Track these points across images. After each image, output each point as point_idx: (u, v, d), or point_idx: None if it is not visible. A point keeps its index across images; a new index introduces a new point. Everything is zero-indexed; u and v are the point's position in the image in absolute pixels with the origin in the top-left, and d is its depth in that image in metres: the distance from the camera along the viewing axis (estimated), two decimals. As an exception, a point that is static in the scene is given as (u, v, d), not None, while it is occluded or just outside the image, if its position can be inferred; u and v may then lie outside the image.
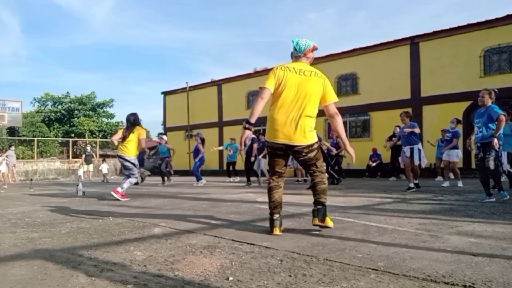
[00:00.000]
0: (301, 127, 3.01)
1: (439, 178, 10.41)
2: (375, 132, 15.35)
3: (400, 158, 8.11)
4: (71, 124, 29.45)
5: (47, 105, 31.21)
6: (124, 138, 6.60)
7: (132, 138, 6.61)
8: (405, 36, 14.82)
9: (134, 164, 6.67)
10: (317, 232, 3.11)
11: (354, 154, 3.27)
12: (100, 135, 28.79)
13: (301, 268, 2.09)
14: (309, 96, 3.03)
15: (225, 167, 14.31)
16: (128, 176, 6.66)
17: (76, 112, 29.70)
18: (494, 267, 2.04)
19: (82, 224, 3.79)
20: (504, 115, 5.08)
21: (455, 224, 3.43)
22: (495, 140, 5.00)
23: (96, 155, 20.83)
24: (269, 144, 3.14)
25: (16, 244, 2.90)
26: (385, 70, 15.14)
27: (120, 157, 6.69)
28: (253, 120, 3.04)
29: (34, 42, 61.20)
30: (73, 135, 27.94)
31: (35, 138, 21.26)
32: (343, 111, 16.47)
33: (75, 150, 22.52)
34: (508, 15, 12.53)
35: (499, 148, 5.12)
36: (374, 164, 14.05)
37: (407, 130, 7.22)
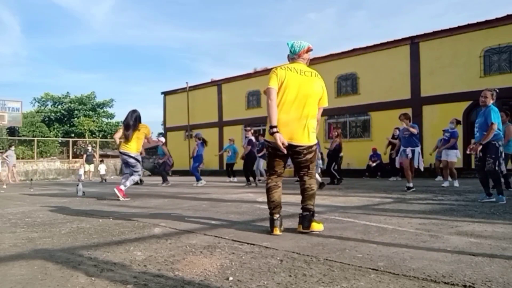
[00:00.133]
0: (305, 127, 3.03)
1: (439, 178, 10.41)
2: (375, 132, 15.35)
3: (397, 158, 8.10)
4: (71, 124, 29.44)
5: (47, 105, 31.20)
6: (127, 137, 6.50)
7: (136, 135, 6.53)
8: (405, 36, 14.82)
9: (138, 161, 6.61)
10: (317, 232, 3.11)
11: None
12: (100, 135, 28.77)
13: (301, 268, 2.10)
14: (310, 96, 3.07)
15: (225, 167, 14.31)
16: (131, 174, 6.61)
17: (76, 112, 29.69)
18: (494, 267, 2.04)
19: (82, 224, 3.79)
20: (502, 116, 5.08)
21: (455, 224, 3.43)
22: (480, 147, 5.04)
23: (96, 155, 20.80)
24: (270, 144, 3.11)
25: (16, 244, 2.90)
26: (385, 70, 15.15)
27: (123, 153, 6.59)
28: (275, 123, 2.98)
29: (34, 42, 61.18)
30: (73, 135, 27.93)
31: (35, 138, 21.25)
32: (343, 111, 16.58)
33: (75, 150, 22.50)
34: (508, 15, 12.53)
35: (499, 148, 5.11)
36: (374, 164, 14.05)
37: (407, 135, 7.27)
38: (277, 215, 3.11)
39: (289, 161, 3.37)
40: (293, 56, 3.21)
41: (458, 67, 13.46)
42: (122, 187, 6.45)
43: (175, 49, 78.04)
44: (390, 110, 14.27)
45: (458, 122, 8.80)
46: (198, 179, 10.55)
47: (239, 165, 11.99)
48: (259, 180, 10.80)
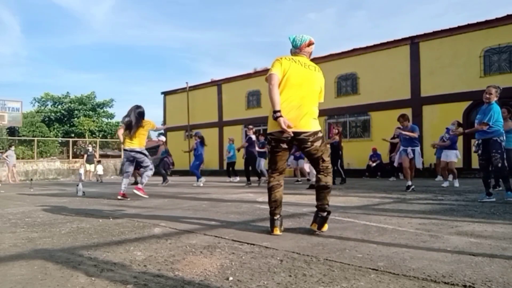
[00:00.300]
0: (306, 114, 2.99)
1: (439, 178, 10.41)
2: (375, 132, 15.35)
3: (396, 157, 8.10)
4: (71, 124, 29.46)
5: (47, 105, 31.21)
6: (133, 133, 6.37)
7: (140, 132, 6.43)
8: (405, 36, 14.84)
9: (145, 155, 6.54)
10: (317, 232, 3.11)
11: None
12: (100, 135, 28.79)
13: (301, 268, 2.09)
14: (312, 88, 3.06)
15: (225, 167, 14.31)
16: (144, 170, 6.55)
17: (76, 112, 29.70)
18: (494, 267, 2.04)
19: (82, 224, 3.79)
20: (504, 112, 5.09)
21: (455, 224, 3.43)
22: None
23: (97, 155, 20.80)
24: (273, 135, 3.05)
25: (16, 244, 2.90)
26: (385, 70, 15.15)
27: (130, 150, 6.46)
28: (278, 107, 2.91)
29: (34, 42, 61.22)
30: (73, 135, 27.94)
31: (35, 138, 21.26)
32: (343, 111, 16.59)
33: (75, 150, 22.51)
34: (508, 15, 12.53)
35: (501, 144, 5.08)
36: (374, 164, 14.06)
37: (405, 132, 7.26)
38: (278, 215, 3.09)
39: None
40: (295, 50, 3.20)
41: (458, 67, 13.46)
42: (140, 185, 6.41)
43: (175, 49, 78.12)
44: (390, 110, 14.27)
45: (460, 124, 8.79)
46: (198, 178, 10.53)
47: (240, 165, 11.98)
48: (258, 180, 10.80)
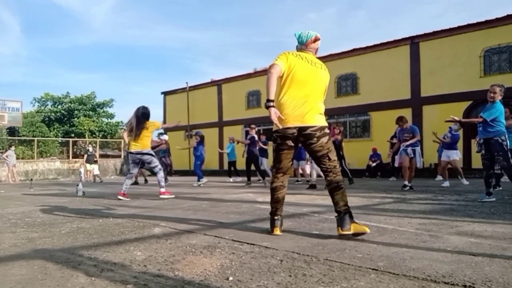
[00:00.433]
0: (311, 109, 2.93)
1: (439, 178, 10.41)
2: (375, 132, 15.36)
3: (396, 157, 8.11)
4: (71, 124, 29.44)
5: (47, 105, 31.20)
6: (137, 135, 6.34)
7: (145, 133, 6.38)
8: (405, 36, 14.82)
9: (152, 155, 6.52)
10: (317, 232, 3.11)
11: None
12: (100, 135, 28.77)
13: (301, 268, 2.09)
14: (317, 86, 3.02)
15: (225, 167, 14.30)
16: (155, 172, 6.53)
17: (76, 112, 29.68)
18: (494, 267, 2.04)
19: (82, 224, 3.79)
20: (506, 112, 5.07)
21: (455, 224, 3.43)
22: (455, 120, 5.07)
23: (97, 156, 20.80)
24: (279, 133, 3.00)
25: (16, 244, 2.90)
26: (385, 70, 15.15)
27: (136, 153, 6.42)
28: (272, 97, 2.87)
29: (34, 42, 61.16)
30: (73, 135, 27.93)
31: (35, 138, 21.25)
32: (343, 111, 16.58)
33: (75, 150, 22.51)
34: (508, 15, 12.53)
35: (503, 144, 5.05)
36: (374, 164, 14.05)
37: (407, 138, 7.29)
38: (278, 216, 3.09)
39: None
40: (301, 47, 3.15)
41: (458, 67, 13.46)
42: (162, 189, 6.40)
43: (175, 49, 78.08)
44: (390, 110, 14.28)
45: (461, 125, 8.80)
46: (200, 178, 10.50)
47: (242, 165, 11.97)
48: (259, 180, 10.78)
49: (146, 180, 12.49)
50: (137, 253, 2.50)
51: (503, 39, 12.69)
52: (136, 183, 11.85)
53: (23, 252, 2.63)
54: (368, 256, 2.32)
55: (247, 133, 18.61)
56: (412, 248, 2.53)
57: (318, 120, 2.95)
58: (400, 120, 7.43)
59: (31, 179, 14.70)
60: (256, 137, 10.63)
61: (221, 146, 18.67)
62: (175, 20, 79.70)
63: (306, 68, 2.99)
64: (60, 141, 24.71)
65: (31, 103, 31.41)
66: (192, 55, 79.42)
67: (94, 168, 15.90)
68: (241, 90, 19.97)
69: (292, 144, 3.03)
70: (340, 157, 9.88)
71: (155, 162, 6.55)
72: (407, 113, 13.73)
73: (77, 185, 7.99)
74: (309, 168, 9.52)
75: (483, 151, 5.23)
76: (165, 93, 24.24)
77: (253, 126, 11.02)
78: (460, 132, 9.18)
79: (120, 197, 6.40)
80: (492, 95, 5.12)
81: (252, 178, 10.41)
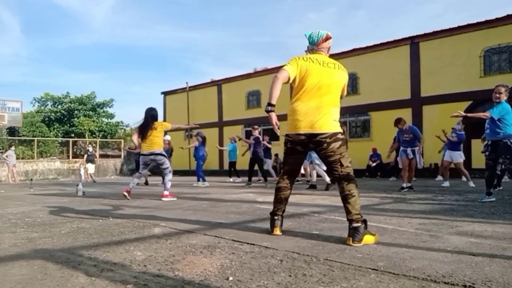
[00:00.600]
0: (324, 115, 2.86)
1: (439, 178, 10.40)
2: (375, 132, 15.36)
3: (398, 159, 8.11)
4: (71, 124, 29.42)
5: (47, 105, 31.17)
6: (146, 137, 6.30)
7: (154, 134, 6.33)
8: (405, 36, 14.83)
9: (165, 156, 6.50)
10: (317, 232, 3.11)
11: None
12: (100, 135, 28.76)
13: (301, 268, 2.09)
14: (332, 87, 2.94)
15: (225, 167, 14.29)
16: (164, 174, 6.47)
17: (76, 112, 29.66)
18: (494, 267, 2.04)
19: (82, 224, 3.79)
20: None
21: (455, 224, 3.43)
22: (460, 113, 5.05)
23: (97, 156, 20.80)
24: (290, 137, 2.98)
25: (16, 244, 2.90)
26: (385, 70, 15.15)
27: (149, 154, 6.35)
28: (273, 101, 2.86)
29: (34, 42, 61.17)
30: (73, 135, 27.91)
31: (35, 138, 21.24)
32: (343, 111, 16.42)
33: (75, 150, 22.50)
34: (508, 15, 12.53)
35: (511, 146, 5.01)
36: (374, 164, 14.05)
37: (407, 138, 7.28)
38: (279, 216, 3.08)
39: None
40: (312, 47, 3.07)
41: (458, 67, 13.46)
42: (166, 192, 6.35)
43: (175, 49, 78.08)
44: (390, 110, 14.28)
45: (466, 119, 8.80)
46: (203, 179, 10.46)
47: (243, 165, 11.96)
48: (259, 179, 10.77)
49: (146, 182, 12.48)
50: (137, 253, 2.50)
51: (503, 39, 12.69)
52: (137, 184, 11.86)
53: (23, 252, 2.63)
54: (368, 256, 2.32)
55: (247, 133, 18.63)
56: (412, 248, 2.53)
57: (329, 127, 2.86)
58: (399, 122, 7.42)
59: (31, 179, 14.70)
60: (261, 138, 10.60)
61: (221, 146, 18.68)
62: (175, 20, 79.74)
63: (318, 72, 2.91)
64: (60, 141, 24.70)
65: (31, 103, 31.41)
66: (192, 55, 79.47)
67: (89, 167, 15.87)
68: (241, 90, 19.97)
69: (302, 150, 3.01)
70: None
71: (167, 164, 6.54)
72: (407, 113, 13.76)
73: (77, 185, 7.99)
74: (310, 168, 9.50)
75: (487, 152, 5.19)
76: (165, 93, 24.24)
77: (256, 126, 10.98)
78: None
79: (125, 193, 6.40)
80: (497, 95, 5.07)
81: (254, 178, 10.39)
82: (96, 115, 30.96)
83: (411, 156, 7.30)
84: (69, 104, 30.02)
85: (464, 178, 8.91)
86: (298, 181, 11.03)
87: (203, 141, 10.77)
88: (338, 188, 2.88)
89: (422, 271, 1.99)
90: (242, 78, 20.26)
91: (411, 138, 7.35)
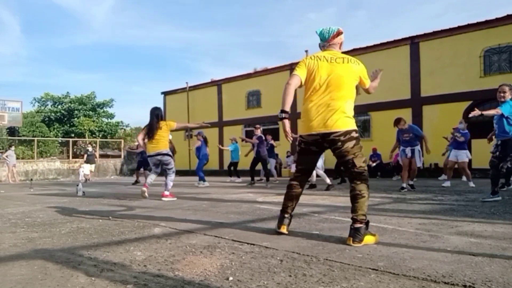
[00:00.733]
0: (336, 112, 2.80)
1: (444, 177, 10.35)
2: (375, 132, 15.35)
3: (399, 159, 8.11)
4: (71, 124, 29.40)
5: (47, 105, 31.15)
6: (152, 136, 6.26)
7: (160, 134, 6.30)
8: (405, 36, 14.82)
9: (171, 156, 6.48)
10: (317, 232, 3.11)
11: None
12: (100, 135, 28.75)
13: (301, 268, 2.09)
14: (342, 83, 2.87)
15: (225, 167, 14.28)
16: (168, 174, 6.44)
17: (76, 112, 29.65)
18: (494, 267, 2.04)
19: (82, 224, 3.79)
20: None
21: (455, 224, 3.43)
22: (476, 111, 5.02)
23: (97, 155, 20.80)
24: (303, 138, 2.97)
25: (16, 244, 2.90)
26: (385, 70, 15.02)
27: (156, 154, 6.30)
28: (287, 108, 2.86)
29: (34, 42, 61.23)
30: (73, 135, 27.89)
31: (35, 138, 21.23)
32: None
33: (75, 150, 22.50)
34: (508, 15, 12.53)
35: None
36: (374, 164, 14.05)
37: (407, 138, 7.28)
38: (288, 214, 3.02)
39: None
40: (324, 44, 3.04)
41: (458, 67, 13.46)
42: (166, 192, 6.34)
43: (175, 49, 78.15)
44: (390, 110, 14.26)
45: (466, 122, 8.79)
46: (203, 180, 10.46)
47: (243, 165, 11.94)
48: (261, 179, 10.75)
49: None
50: (137, 253, 2.50)
51: (503, 39, 12.69)
52: (137, 182, 11.87)
53: (23, 252, 2.63)
54: (368, 256, 2.32)
55: (247, 133, 18.63)
56: (412, 248, 2.53)
57: (342, 124, 2.81)
58: (398, 122, 7.41)
59: (31, 179, 14.70)
60: (264, 137, 10.56)
61: (221, 145, 18.69)
62: (175, 20, 79.79)
63: (326, 69, 2.87)
64: (60, 141, 24.70)
65: (31, 103, 31.39)
66: (192, 55, 79.53)
67: (85, 167, 15.85)
68: (241, 90, 19.96)
69: (316, 150, 2.98)
70: None
71: (172, 164, 6.52)
72: (407, 113, 13.75)
73: (77, 185, 7.99)
74: None
75: (497, 153, 5.17)
76: (165, 93, 24.23)
77: (257, 126, 10.84)
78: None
79: (144, 188, 6.37)
80: (502, 94, 5.10)
81: (256, 178, 10.37)
82: (96, 115, 30.94)
83: (409, 155, 7.30)
84: (69, 104, 30.01)
85: (464, 178, 8.89)
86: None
87: (205, 142, 10.80)
88: (350, 186, 2.88)
89: (422, 271, 1.99)
90: (242, 78, 20.25)
91: (411, 138, 7.35)
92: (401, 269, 2.02)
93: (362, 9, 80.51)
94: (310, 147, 2.97)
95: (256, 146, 10.26)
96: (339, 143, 2.80)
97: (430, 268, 2.03)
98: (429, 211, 4.42)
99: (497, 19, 12.78)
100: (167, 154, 6.38)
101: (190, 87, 22.11)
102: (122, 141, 25.05)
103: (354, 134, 2.84)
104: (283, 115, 2.88)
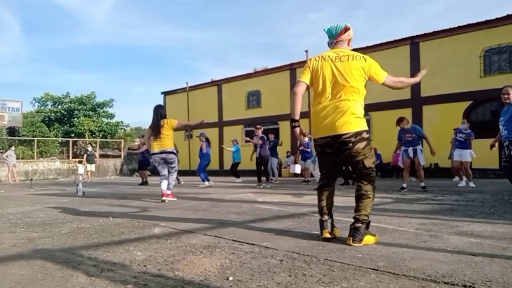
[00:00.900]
0: (344, 113, 2.74)
1: (457, 178, 10.34)
2: (375, 132, 15.35)
3: (400, 159, 8.11)
4: (71, 124, 29.40)
5: (47, 105, 31.15)
6: (158, 135, 6.17)
7: (163, 132, 6.20)
8: (405, 36, 14.84)
9: (175, 155, 6.41)
10: (317, 232, 3.11)
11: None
12: (100, 135, 28.75)
13: (301, 268, 2.09)
14: (348, 81, 2.81)
15: (225, 167, 14.27)
16: (170, 173, 6.36)
17: (76, 112, 29.65)
18: (494, 267, 2.04)
19: (82, 224, 3.79)
20: None
21: (455, 224, 3.43)
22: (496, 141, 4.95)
23: (97, 155, 20.79)
24: (316, 142, 2.93)
25: (16, 244, 2.90)
26: (385, 70, 15.12)
27: (160, 152, 6.18)
28: (296, 117, 2.87)
29: (34, 42, 61.29)
30: (73, 135, 27.89)
31: (35, 138, 21.24)
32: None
33: (75, 150, 22.51)
34: (508, 15, 12.54)
35: None
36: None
37: (409, 138, 7.24)
38: (326, 216, 2.85)
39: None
40: (331, 41, 3.00)
41: (458, 67, 13.46)
42: (168, 191, 6.26)
43: (175, 49, 78.20)
44: (390, 110, 14.28)
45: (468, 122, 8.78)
46: (202, 180, 10.43)
47: (245, 165, 11.91)
48: (271, 180, 10.72)
49: (146, 182, 12.48)
50: (137, 253, 2.50)
51: (503, 39, 12.70)
52: (145, 182, 11.89)
53: (23, 252, 2.63)
54: (368, 256, 2.32)
55: (247, 133, 18.62)
56: (412, 248, 2.53)
57: (351, 125, 2.74)
58: (401, 121, 7.38)
59: (31, 179, 14.70)
60: (266, 137, 10.54)
61: (221, 146, 18.69)
62: (175, 20, 79.83)
63: (330, 68, 2.83)
64: (60, 141, 24.71)
65: (31, 103, 31.39)
66: (192, 55, 79.58)
67: (79, 167, 15.82)
68: (241, 90, 19.97)
69: (331, 151, 2.88)
70: None
71: (176, 164, 6.46)
72: (407, 113, 13.74)
73: (77, 185, 7.99)
74: (312, 167, 9.47)
75: (507, 153, 5.14)
76: (165, 93, 24.24)
77: (258, 126, 10.76)
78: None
79: (164, 198, 6.10)
80: (506, 96, 5.07)
81: (253, 178, 10.37)
82: (96, 115, 30.94)
83: (411, 155, 7.30)
84: (69, 104, 30.01)
85: (456, 178, 8.87)
86: (306, 181, 10.94)
87: (208, 142, 10.83)
88: (356, 185, 2.87)
89: (422, 271, 1.99)
90: (242, 78, 20.26)
91: (414, 138, 7.33)
92: (401, 269, 2.02)
93: (362, 9, 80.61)
94: (325, 150, 2.92)
95: (258, 146, 10.23)
96: (350, 144, 2.76)
97: (430, 268, 2.03)
98: (429, 211, 4.42)
99: (497, 19, 12.78)
100: (172, 152, 6.29)
101: (190, 87, 22.12)
102: (122, 141, 25.05)
103: (365, 135, 2.80)
104: (294, 124, 2.90)
